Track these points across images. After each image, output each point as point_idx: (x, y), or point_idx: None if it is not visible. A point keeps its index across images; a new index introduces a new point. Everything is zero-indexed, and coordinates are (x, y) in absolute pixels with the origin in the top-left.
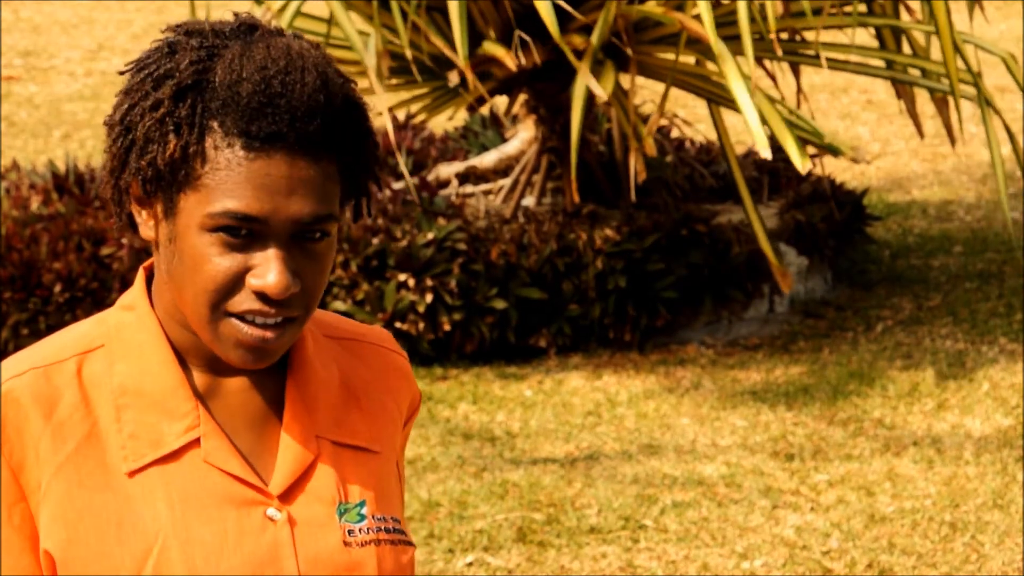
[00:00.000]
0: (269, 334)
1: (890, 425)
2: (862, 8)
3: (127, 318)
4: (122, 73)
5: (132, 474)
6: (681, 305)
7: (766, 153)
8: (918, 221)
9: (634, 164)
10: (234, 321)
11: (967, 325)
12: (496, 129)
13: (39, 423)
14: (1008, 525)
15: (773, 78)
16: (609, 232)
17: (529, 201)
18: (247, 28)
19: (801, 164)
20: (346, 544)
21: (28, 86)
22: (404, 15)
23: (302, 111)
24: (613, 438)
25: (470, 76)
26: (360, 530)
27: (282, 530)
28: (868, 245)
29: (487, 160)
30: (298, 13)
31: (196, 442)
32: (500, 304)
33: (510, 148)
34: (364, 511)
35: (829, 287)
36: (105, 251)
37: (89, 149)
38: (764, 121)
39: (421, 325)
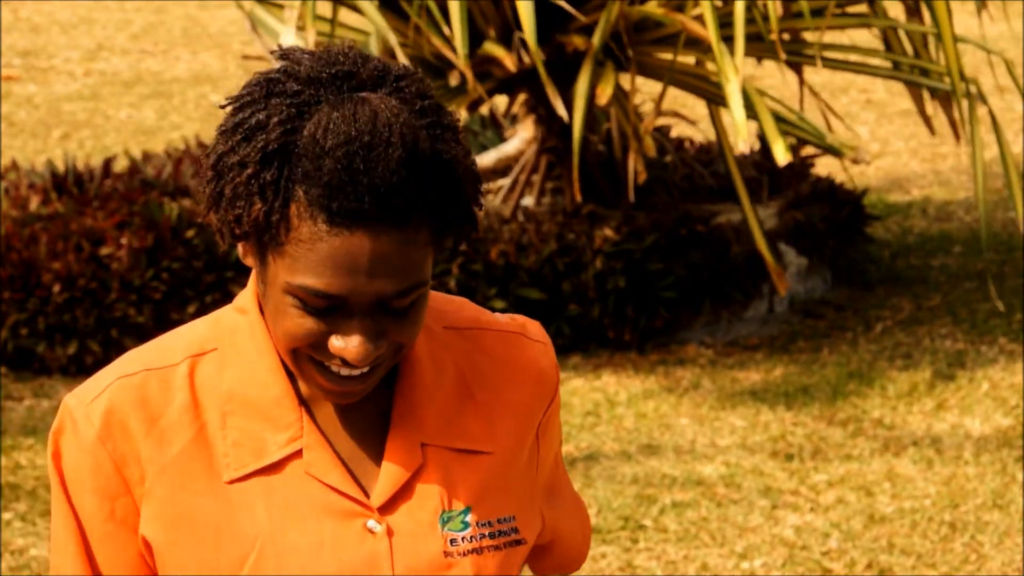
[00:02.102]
0: (352, 384)
1: (889, 425)
2: (864, 9)
3: (240, 321)
4: (223, 107)
5: (232, 482)
6: (680, 305)
7: (744, 146)
8: (918, 221)
9: (633, 164)
10: (314, 368)
11: (967, 325)
12: (495, 129)
13: (144, 424)
14: (1008, 525)
15: (800, 77)
16: (608, 232)
17: (528, 201)
18: (344, 75)
19: (781, 157)
20: (447, 554)
21: (27, 86)
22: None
23: (385, 188)
24: (612, 438)
25: (470, 76)
26: (463, 539)
27: (380, 541)
28: (868, 245)
29: (486, 160)
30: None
31: (299, 452)
32: (499, 304)
33: (509, 148)
34: (468, 518)
35: (829, 287)
36: (104, 251)
37: (88, 149)
38: (755, 117)
39: None
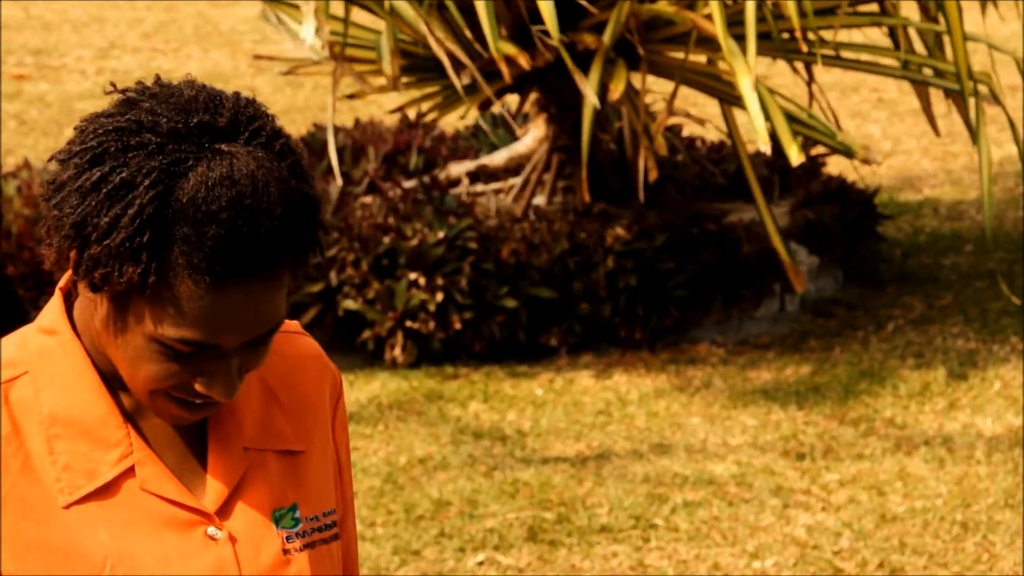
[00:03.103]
0: (205, 412)
1: (901, 424)
2: (874, 8)
3: (49, 343)
4: (66, 158)
5: (69, 506)
6: (691, 304)
7: (765, 147)
8: (929, 220)
9: (644, 163)
10: (169, 400)
11: (978, 324)
12: (507, 128)
13: None
14: (1019, 525)
15: (810, 76)
16: (620, 231)
17: (540, 200)
18: (204, 127)
19: (795, 157)
20: (285, 552)
21: (39, 84)
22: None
23: (267, 250)
24: (624, 437)
25: (505, 71)
26: (296, 534)
27: (224, 548)
28: (879, 244)
29: (498, 159)
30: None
31: (131, 469)
32: (511, 303)
33: (521, 147)
34: (297, 514)
35: (840, 286)
36: None
37: None
38: (767, 117)
39: (432, 324)
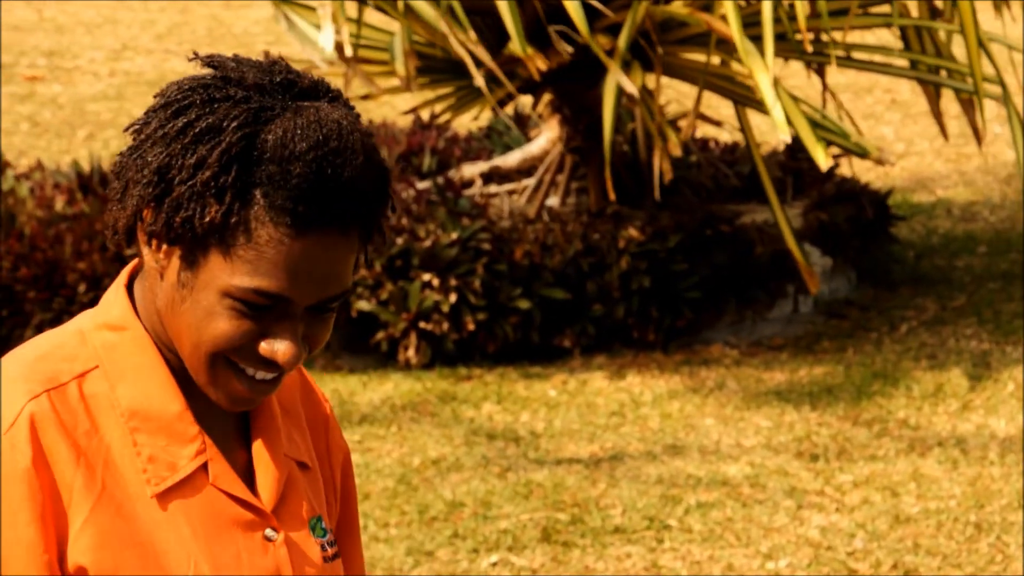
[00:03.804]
0: (264, 389)
1: (915, 425)
2: (887, 9)
3: (117, 339)
4: (149, 114)
5: (156, 498)
6: (705, 305)
7: (786, 137)
8: (942, 221)
9: (659, 164)
10: (233, 373)
11: (991, 325)
12: (520, 129)
13: (70, 450)
14: None
15: (822, 77)
16: (633, 232)
17: (553, 201)
18: (287, 84)
19: (823, 162)
20: (325, 559)
21: (52, 86)
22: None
23: (349, 197)
24: (637, 438)
25: (533, 70)
26: (327, 544)
27: (280, 550)
28: (892, 245)
29: (511, 160)
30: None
31: (204, 466)
32: (524, 304)
33: (534, 148)
34: (324, 524)
35: (853, 287)
36: (129, 251)
37: (113, 149)
38: (788, 122)
39: (445, 325)
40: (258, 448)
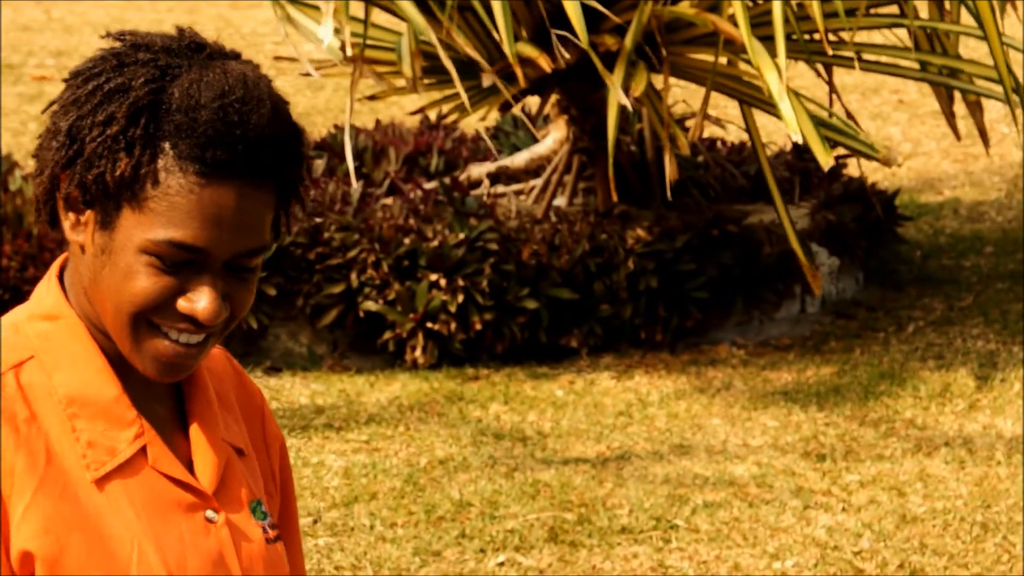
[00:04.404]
0: (190, 352)
1: (921, 425)
2: (895, 9)
3: (51, 328)
4: (66, 81)
5: (97, 482)
6: (712, 305)
7: (796, 137)
8: (949, 221)
9: (667, 164)
10: (156, 335)
11: (998, 325)
12: (527, 129)
13: (7, 435)
14: None
15: (829, 77)
16: (640, 232)
17: (560, 201)
18: (195, 47)
19: (824, 161)
20: (267, 540)
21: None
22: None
23: (256, 142)
24: (644, 438)
25: (519, 72)
26: (267, 527)
27: (222, 531)
28: (899, 245)
29: (519, 160)
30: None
31: (143, 450)
32: (531, 304)
33: (541, 148)
34: (264, 508)
35: (860, 287)
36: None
37: None
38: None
39: (452, 325)
40: (195, 432)
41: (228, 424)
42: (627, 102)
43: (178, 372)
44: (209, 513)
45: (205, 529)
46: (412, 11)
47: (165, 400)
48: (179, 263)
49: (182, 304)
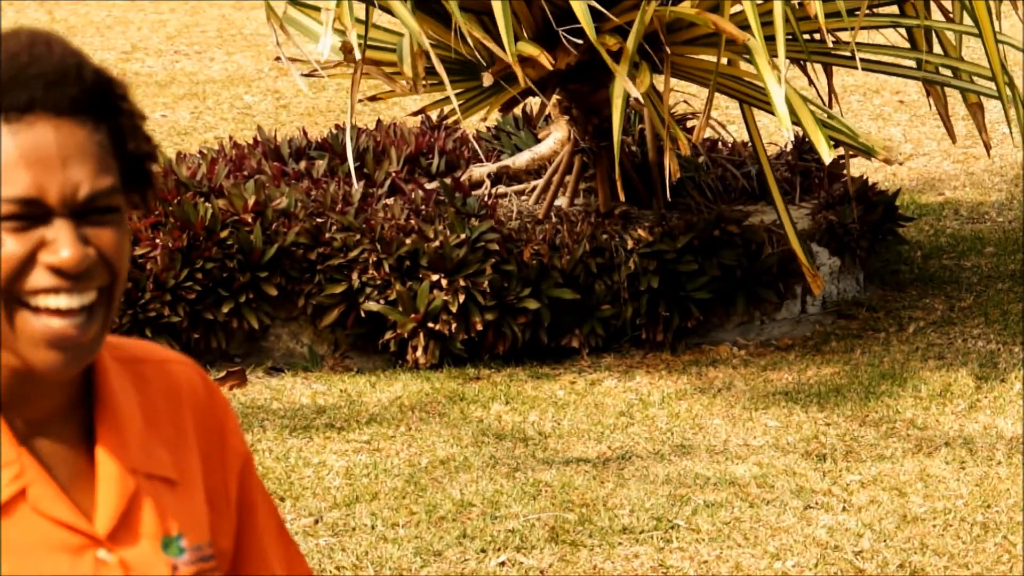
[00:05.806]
0: (74, 324)
1: (922, 426)
2: (894, 9)
3: None
4: None
5: None
6: (713, 306)
7: (789, 134)
8: (950, 222)
9: (668, 164)
10: (32, 315)
11: (999, 326)
12: (529, 130)
13: None
14: None
15: (829, 77)
16: (641, 233)
17: (562, 202)
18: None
19: (826, 155)
20: None
21: None
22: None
23: (55, 76)
24: (645, 438)
25: (519, 72)
26: (183, 564)
27: (114, 571)
28: (900, 246)
29: (520, 161)
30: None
31: (23, 490)
32: (532, 304)
33: (543, 149)
34: (183, 543)
35: (861, 288)
36: (138, 251)
37: None
38: (796, 122)
39: (453, 325)
40: (101, 463)
41: (151, 451)
42: (636, 92)
43: (74, 354)
44: (101, 553)
45: (95, 569)
46: (405, 13)
47: (71, 425)
48: (25, 219)
49: (45, 258)
